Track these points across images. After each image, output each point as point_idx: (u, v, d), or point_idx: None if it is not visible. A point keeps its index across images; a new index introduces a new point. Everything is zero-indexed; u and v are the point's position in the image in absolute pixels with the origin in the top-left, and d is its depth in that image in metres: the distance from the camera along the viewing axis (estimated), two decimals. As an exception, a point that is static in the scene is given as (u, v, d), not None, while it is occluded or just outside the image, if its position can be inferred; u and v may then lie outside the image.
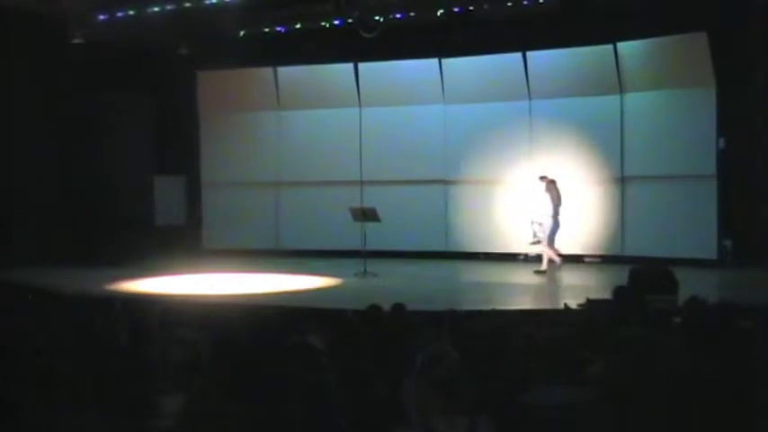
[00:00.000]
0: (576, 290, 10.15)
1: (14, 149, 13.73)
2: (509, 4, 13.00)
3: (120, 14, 13.33)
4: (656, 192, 13.09)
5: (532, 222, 12.64)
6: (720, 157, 12.60)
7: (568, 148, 13.79)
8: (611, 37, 13.27)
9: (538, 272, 12.42)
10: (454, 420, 3.60)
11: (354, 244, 13.68)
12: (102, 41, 13.44)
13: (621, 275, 7.79)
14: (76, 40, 13.23)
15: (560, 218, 12.33)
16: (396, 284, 12.14)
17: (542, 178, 12.60)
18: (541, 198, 12.46)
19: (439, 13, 13.22)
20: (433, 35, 13.77)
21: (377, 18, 13.32)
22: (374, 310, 6.10)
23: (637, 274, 8.24)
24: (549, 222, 12.30)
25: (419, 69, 14.67)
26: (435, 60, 14.50)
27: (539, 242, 12.62)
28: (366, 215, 12.53)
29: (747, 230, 12.39)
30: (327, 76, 15.21)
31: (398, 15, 13.50)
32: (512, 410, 3.66)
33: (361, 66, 14.96)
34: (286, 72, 15.43)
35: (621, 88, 13.46)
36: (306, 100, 15.26)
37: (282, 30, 14.22)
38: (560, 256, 12.42)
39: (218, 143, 15.73)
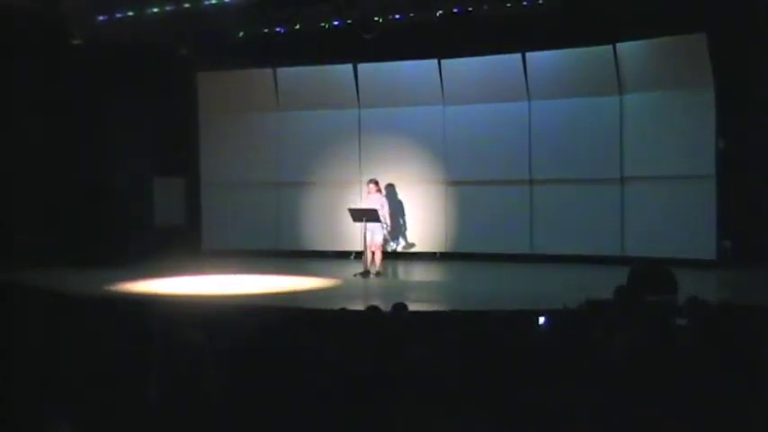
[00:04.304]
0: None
1: (14, 150, 13.72)
2: (508, 4, 13.01)
3: (120, 15, 13.33)
4: (655, 192, 13.10)
5: (385, 226, 12.88)
6: (720, 157, 12.61)
7: (567, 148, 13.80)
8: (611, 37, 13.28)
9: (378, 273, 12.53)
10: (452, 420, 3.61)
11: (355, 244, 13.72)
12: (102, 42, 13.43)
13: (621, 275, 7.78)
14: (76, 41, 13.22)
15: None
16: (397, 285, 12.20)
17: (373, 182, 12.97)
18: (377, 201, 12.76)
19: (438, 14, 13.22)
20: (433, 36, 13.76)
21: (376, 19, 13.32)
22: (374, 310, 6.11)
23: (637, 274, 8.24)
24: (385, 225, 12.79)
25: (418, 70, 14.68)
26: (435, 61, 14.51)
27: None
28: (366, 216, 12.53)
29: (747, 230, 12.39)
30: (327, 76, 15.22)
31: (398, 16, 13.51)
32: (512, 410, 3.66)
33: (360, 66, 14.97)
34: (285, 73, 15.44)
35: (621, 89, 13.47)
36: (305, 101, 15.27)
37: (282, 31, 14.22)
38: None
39: (218, 144, 15.74)
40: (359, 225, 12.88)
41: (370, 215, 12.46)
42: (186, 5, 12.98)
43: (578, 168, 13.74)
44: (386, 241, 13.30)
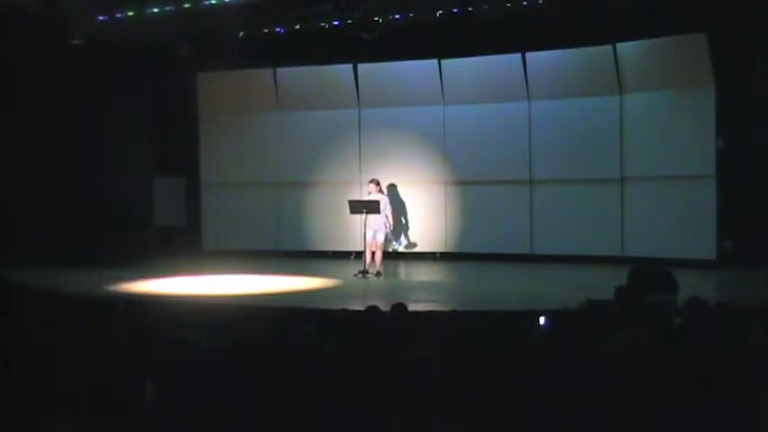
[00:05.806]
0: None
1: (14, 150, 13.72)
2: (508, 4, 13.01)
3: (120, 15, 13.32)
4: (655, 192, 13.10)
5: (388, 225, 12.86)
6: (720, 157, 12.61)
7: (567, 148, 13.81)
8: (611, 37, 13.28)
9: (378, 274, 12.45)
10: (452, 421, 3.60)
11: (355, 244, 13.72)
12: (102, 42, 13.43)
13: (621, 275, 7.78)
14: (76, 41, 13.22)
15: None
16: (396, 285, 12.20)
17: (373, 182, 12.88)
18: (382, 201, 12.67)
19: (438, 14, 13.22)
20: (433, 36, 13.77)
21: (376, 19, 13.32)
22: (374, 310, 6.11)
23: (637, 275, 8.22)
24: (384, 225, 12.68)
25: (418, 70, 14.68)
26: (434, 61, 14.51)
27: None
28: (366, 207, 12.42)
29: (747, 231, 12.39)
30: (327, 76, 15.22)
31: (398, 16, 13.51)
32: (512, 410, 3.66)
33: (360, 67, 14.97)
34: (285, 73, 15.44)
35: (621, 89, 13.47)
36: (305, 101, 15.27)
37: (282, 31, 14.23)
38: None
39: (218, 144, 15.74)
40: (359, 225, 12.87)
41: (370, 207, 12.37)
42: (186, 5, 12.97)
43: (578, 168, 13.74)
44: (388, 240, 13.29)
